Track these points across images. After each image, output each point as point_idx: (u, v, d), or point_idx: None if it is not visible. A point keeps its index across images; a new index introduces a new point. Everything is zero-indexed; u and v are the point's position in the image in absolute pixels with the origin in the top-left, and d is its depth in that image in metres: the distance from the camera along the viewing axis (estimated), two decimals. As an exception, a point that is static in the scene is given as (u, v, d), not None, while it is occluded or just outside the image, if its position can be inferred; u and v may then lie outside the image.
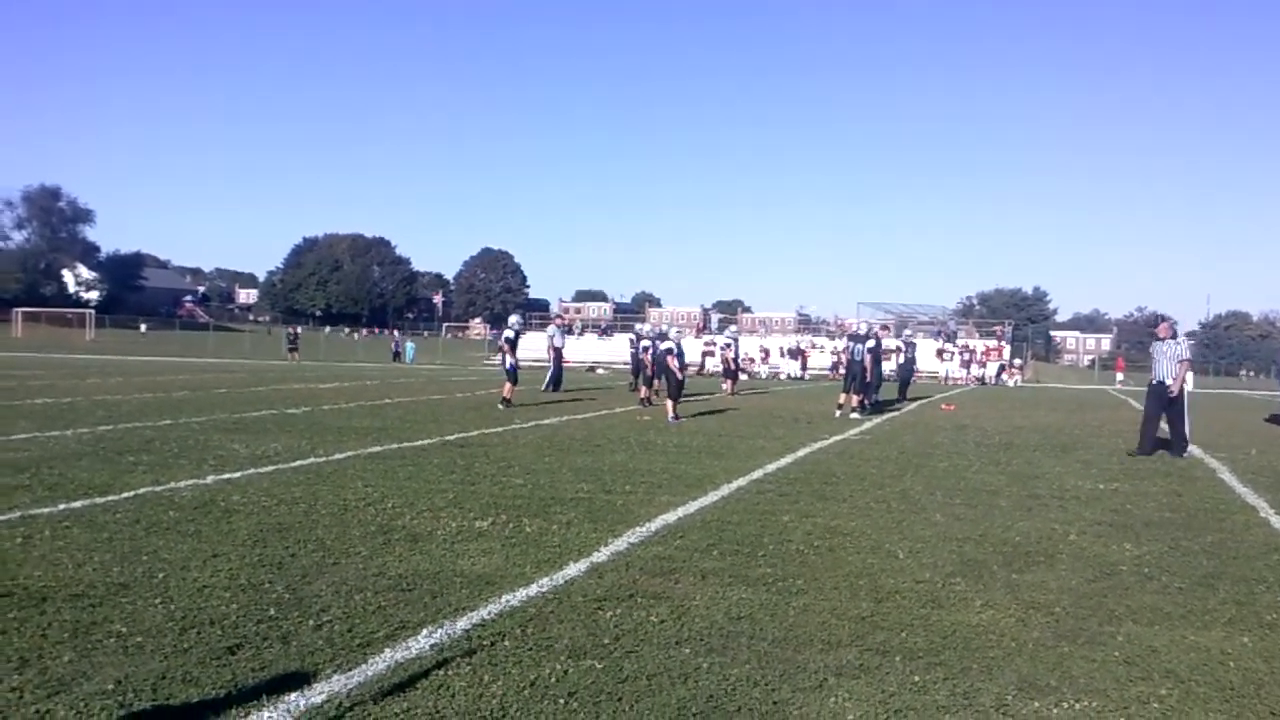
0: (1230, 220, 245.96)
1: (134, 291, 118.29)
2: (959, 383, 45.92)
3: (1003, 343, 52.68)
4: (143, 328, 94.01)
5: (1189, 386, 14.27)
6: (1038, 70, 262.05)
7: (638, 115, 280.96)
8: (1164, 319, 14.77)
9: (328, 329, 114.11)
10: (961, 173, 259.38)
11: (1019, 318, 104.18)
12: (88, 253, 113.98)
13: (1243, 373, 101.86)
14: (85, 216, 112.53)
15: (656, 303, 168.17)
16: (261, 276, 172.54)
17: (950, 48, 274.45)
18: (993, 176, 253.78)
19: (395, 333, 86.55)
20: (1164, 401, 13.88)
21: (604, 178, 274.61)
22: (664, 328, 24.33)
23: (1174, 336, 14.37)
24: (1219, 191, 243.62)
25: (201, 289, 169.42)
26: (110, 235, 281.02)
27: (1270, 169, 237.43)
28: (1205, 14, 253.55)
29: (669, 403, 17.77)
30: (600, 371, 45.71)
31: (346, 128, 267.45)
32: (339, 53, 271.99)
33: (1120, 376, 57.14)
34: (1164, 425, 14.01)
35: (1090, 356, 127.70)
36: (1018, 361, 53.79)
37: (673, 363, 18.01)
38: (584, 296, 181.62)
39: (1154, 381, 14.17)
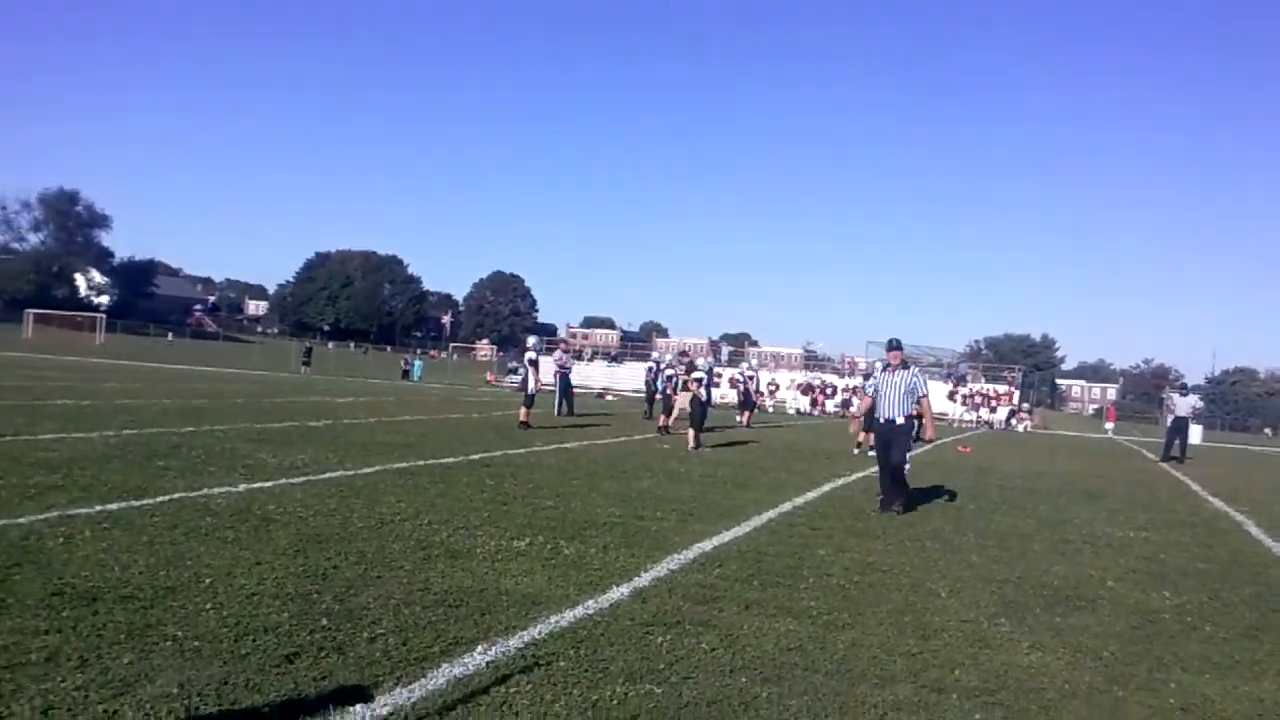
0: (1238, 278, 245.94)
1: (145, 298, 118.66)
2: (968, 425, 45.85)
3: (1013, 388, 52.67)
4: (169, 336, 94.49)
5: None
6: (1056, 119, 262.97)
7: (653, 145, 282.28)
8: (895, 346, 11.83)
9: (330, 344, 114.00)
10: (973, 216, 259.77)
11: (1026, 364, 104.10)
12: (101, 258, 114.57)
13: (1266, 430, 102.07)
14: (101, 222, 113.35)
15: (664, 332, 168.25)
16: (271, 289, 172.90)
17: (966, 92, 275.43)
18: (1005, 221, 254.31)
19: (416, 352, 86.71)
20: (887, 441, 11.52)
21: (617, 206, 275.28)
22: (696, 359, 24.21)
23: (905, 366, 11.82)
24: (1228, 248, 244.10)
25: (212, 298, 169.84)
26: (124, 241, 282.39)
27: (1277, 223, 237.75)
28: (1215, 70, 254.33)
29: (691, 431, 17.76)
30: (609, 398, 45.67)
31: (363, 145, 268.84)
32: (361, 71, 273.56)
33: (1110, 426, 57.51)
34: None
35: (1095, 405, 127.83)
36: (1026, 407, 53.72)
37: (701, 391, 18.04)
38: (592, 323, 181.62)
39: (881, 420, 11.75)
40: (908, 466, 11.72)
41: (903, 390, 11.46)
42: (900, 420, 11.47)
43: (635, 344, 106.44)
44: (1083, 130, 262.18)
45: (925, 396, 11.74)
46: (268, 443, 13.68)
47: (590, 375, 54.83)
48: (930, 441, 11.44)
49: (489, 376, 69.77)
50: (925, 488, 13.69)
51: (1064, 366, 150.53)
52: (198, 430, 14.88)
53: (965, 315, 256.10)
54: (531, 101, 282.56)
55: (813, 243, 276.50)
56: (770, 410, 45.22)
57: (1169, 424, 27.14)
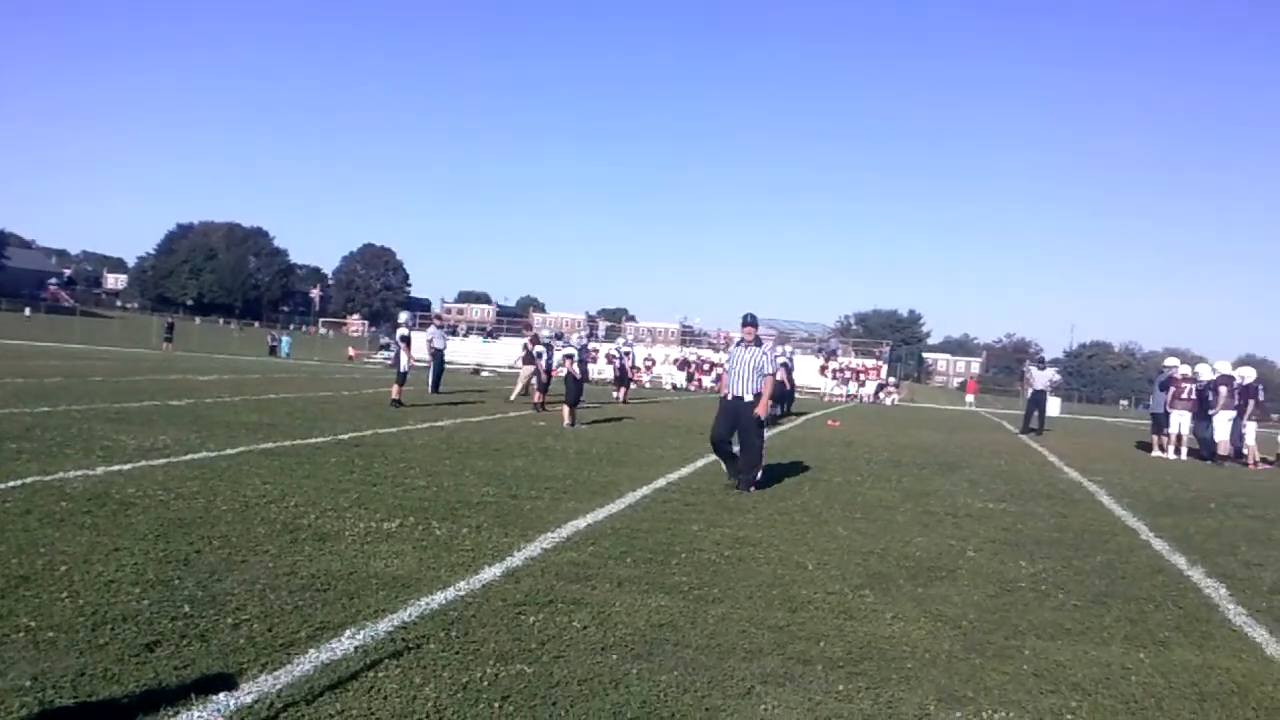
0: (1095, 253, 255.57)
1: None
2: (839, 400, 46.84)
3: (881, 362, 53.98)
4: (27, 312, 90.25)
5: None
6: (918, 99, 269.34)
7: (523, 119, 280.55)
8: (750, 322, 11.43)
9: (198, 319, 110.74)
10: (843, 193, 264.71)
11: (894, 338, 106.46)
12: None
13: (1121, 402, 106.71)
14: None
15: (541, 307, 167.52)
16: (131, 262, 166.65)
17: (833, 75, 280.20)
18: (874, 197, 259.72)
19: (288, 329, 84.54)
20: (734, 420, 11.20)
21: (489, 179, 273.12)
22: (568, 333, 24.27)
23: (758, 343, 11.46)
24: (1086, 225, 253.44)
25: (68, 272, 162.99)
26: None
27: (1131, 205, 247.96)
28: (1075, 49, 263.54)
29: (566, 408, 17.74)
30: (485, 374, 45.36)
31: (226, 113, 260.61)
32: (219, 36, 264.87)
33: (971, 398, 59.67)
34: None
35: (960, 379, 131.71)
36: (894, 380, 55.10)
37: (573, 368, 18.04)
38: (467, 298, 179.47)
39: (728, 397, 11.35)
40: (765, 444, 11.54)
41: (751, 367, 11.23)
42: (748, 397, 11.19)
43: (511, 319, 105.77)
44: (943, 108, 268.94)
45: (770, 375, 11.45)
46: (127, 423, 13.25)
47: (465, 351, 54.32)
48: (761, 415, 11.20)
49: (351, 352, 68.68)
50: (794, 462, 13.97)
51: (930, 340, 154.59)
52: (53, 410, 14.33)
53: (837, 290, 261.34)
54: (399, 67, 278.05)
55: (689, 218, 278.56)
56: (647, 386, 45.47)
57: (1028, 397, 28.10)
